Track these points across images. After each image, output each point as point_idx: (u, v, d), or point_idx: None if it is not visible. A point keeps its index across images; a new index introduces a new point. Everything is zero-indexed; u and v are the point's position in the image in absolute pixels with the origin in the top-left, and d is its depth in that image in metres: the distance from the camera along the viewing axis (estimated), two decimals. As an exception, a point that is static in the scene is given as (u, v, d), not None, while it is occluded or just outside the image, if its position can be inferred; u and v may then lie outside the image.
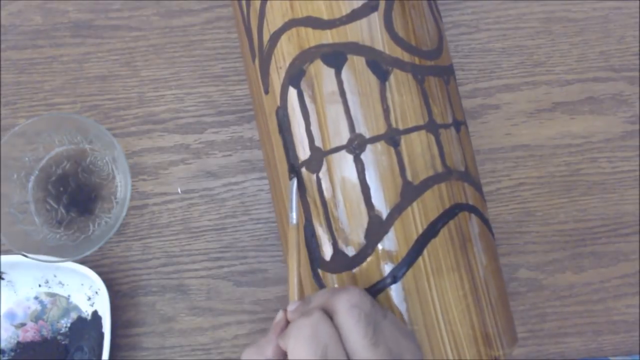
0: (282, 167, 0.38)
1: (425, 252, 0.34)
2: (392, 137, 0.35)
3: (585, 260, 0.49)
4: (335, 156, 0.35)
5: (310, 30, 0.36)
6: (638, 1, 0.52)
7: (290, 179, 0.37)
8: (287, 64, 0.36)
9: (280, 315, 0.32)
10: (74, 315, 0.47)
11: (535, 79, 0.51)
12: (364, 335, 0.28)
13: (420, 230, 0.34)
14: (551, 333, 0.49)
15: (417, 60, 0.36)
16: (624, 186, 0.50)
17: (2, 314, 0.47)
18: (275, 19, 0.37)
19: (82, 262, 0.45)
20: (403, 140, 0.35)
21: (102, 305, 0.44)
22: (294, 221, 0.36)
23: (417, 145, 0.35)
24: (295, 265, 0.34)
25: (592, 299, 0.49)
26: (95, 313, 0.46)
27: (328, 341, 0.28)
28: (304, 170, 0.36)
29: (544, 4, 0.52)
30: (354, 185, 0.35)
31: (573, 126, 0.51)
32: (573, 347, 0.49)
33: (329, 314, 0.29)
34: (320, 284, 0.36)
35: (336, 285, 0.35)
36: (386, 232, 0.34)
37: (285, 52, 0.37)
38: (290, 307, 0.32)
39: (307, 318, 0.29)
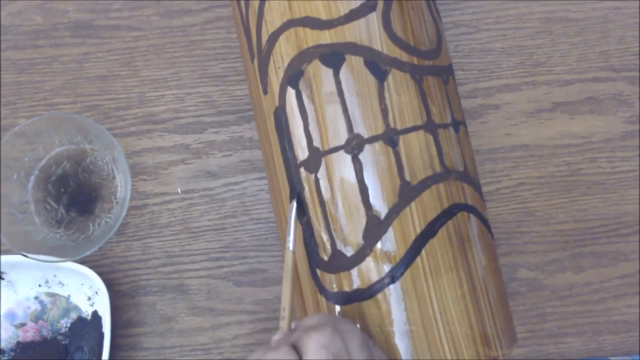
0: (281, 167, 0.38)
1: (423, 252, 0.34)
2: (390, 137, 0.35)
3: (585, 260, 0.49)
4: (333, 156, 0.35)
5: (308, 30, 0.36)
6: (638, 1, 0.52)
7: (291, 202, 0.37)
8: (286, 64, 0.36)
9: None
10: (74, 315, 0.47)
11: (535, 79, 0.51)
12: None
13: (419, 230, 0.34)
14: (551, 333, 0.49)
15: (415, 60, 0.36)
16: (624, 186, 0.50)
17: (2, 314, 0.47)
18: (273, 19, 0.37)
19: (82, 262, 0.45)
20: (401, 140, 0.35)
21: (102, 305, 0.44)
22: (291, 246, 0.35)
23: (415, 145, 0.35)
24: (289, 289, 0.34)
25: (592, 299, 0.49)
26: (95, 313, 0.46)
27: None
28: (302, 170, 0.36)
29: (544, 4, 0.52)
30: (352, 186, 0.35)
31: (573, 126, 0.51)
32: (573, 347, 0.49)
33: (299, 351, 0.29)
34: (318, 284, 0.36)
35: (334, 286, 0.35)
36: (384, 232, 0.34)
37: (284, 52, 0.37)
38: (276, 337, 0.32)
39: (274, 352, 0.29)
